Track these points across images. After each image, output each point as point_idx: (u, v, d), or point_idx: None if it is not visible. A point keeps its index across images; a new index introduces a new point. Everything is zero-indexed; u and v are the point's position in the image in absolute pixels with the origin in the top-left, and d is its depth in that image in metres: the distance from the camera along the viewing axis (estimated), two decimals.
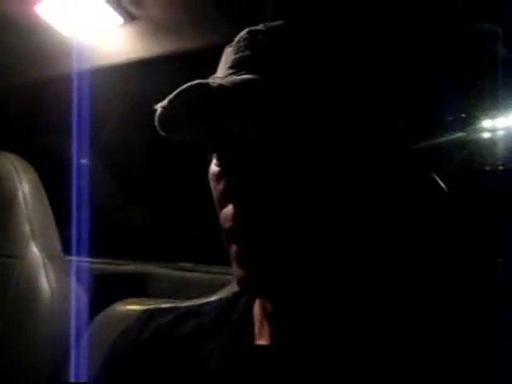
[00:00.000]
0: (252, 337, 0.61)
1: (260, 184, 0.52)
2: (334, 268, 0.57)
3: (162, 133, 0.53)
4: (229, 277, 1.11)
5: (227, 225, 0.54)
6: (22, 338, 1.10)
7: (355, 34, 0.60)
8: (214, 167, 0.57)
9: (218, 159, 0.56)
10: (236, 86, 0.50)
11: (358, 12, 0.89)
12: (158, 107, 0.51)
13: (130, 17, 1.13)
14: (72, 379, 0.98)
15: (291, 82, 0.51)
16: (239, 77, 0.52)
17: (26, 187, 1.19)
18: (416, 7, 0.90)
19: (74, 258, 1.23)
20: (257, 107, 0.50)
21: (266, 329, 0.60)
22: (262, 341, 0.60)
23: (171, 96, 0.50)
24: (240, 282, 0.55)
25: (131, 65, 1.24)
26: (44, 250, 1.16)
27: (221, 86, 0.50)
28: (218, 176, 0.56)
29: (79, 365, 1.00)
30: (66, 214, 1.23)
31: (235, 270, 0.55)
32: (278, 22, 0.55)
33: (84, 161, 1.46)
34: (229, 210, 0.54)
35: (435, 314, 0.58)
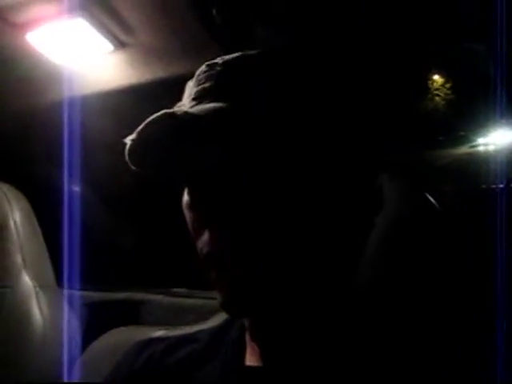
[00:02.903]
0: (245, 359, 0.61)
1: (232, 207, 0.53)
2: (316, 285, 0.57)
3: (132, 166, 0.53)
4: None
5: (205, 250, 0.55)
6: (14, 367, 1.08)
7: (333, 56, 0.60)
8: (186, 197, 0.58)
9: (189, 188, 0.57)
10: (205, 111, 0.51)
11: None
12: (128, 140, 0.52)
13: (119, 44, 1.13)
14: None
15: (254, 107, 0.52)
16: (205, 105, 0.52)
17: (17, 216, 1.19)
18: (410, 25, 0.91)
19: (65, 286, 1.23)
20: (224, 133, 0.51)
21: (257, 350, 0.60)
22: (253, 362, 0.60)
23: (140, 127, 0.51)
24: (223, 306, 0.55)
25: (121, 91, 1.25)
26: (36, 278, 1.15)
27: (188, 114, 0.51)
28: (191, 205, 0.57)
29: None
30: (58, 243, 1.23)
31: (217, 295, 0.55)
32: (233, 54, 0.56)
33: (75, 188, 1.46)
34: (205, 236, 0.54)
35: (426, 326, 0.60)
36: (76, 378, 1.03)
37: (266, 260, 0.53)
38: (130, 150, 0.52)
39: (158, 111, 0.51)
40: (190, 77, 0.58)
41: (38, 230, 1.23)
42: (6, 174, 1.28)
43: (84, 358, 1.05)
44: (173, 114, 0.51)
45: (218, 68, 0.55)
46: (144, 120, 0.51)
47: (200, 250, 0.56)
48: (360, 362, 0.56)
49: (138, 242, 1.60)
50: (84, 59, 1.21)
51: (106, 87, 1.25)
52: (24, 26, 1.13)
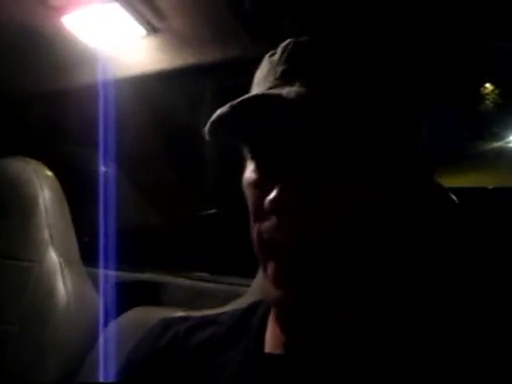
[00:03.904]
0: (268, 346, 0.61)
1: (313, 198, 0.50)
2: (368, 283, 0.55)
3: (208, 136, 0.52)
4: (244, 288, 1.11)
5: (266, 236, 0.52)
6: (37, 341, 1.11)
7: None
8: (251, 174, 0.55)
9: (259, 167, 0.54)
10: (299, 96, 0.49)
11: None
12: (217, 112, 0.50)
13: (152, 29, 1.15)
14: (86, 381, 0.99)
15: (346, 94, 0.50)
16: (295, 89, 0.50)
17: (46, 193, 1.21)
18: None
19: (90, 264, 1.25)
20: (313, 120, 0.49)
21: (282, 338, 0.58)
22: (277, 350, 0.59)
23: (233, 102, 0.49)
24: (277, 304, 0.54)
25: (153, 76, 1.26)
26: (62, 255, 1.18)
27: (280, 98, 0.49)
28: (256, 183, 0.54)
29: (93, 369, 1.00)
30: (85, 222, 1.25)
31: (271, 290, 0.53)
32: (318, 34, 0.54)
33: (104, 170, 1.48)
34: (271, 221, 0.51)
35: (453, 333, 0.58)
36: (97, 352, 1.05)
37: (338, 262, 0.51)
38: (215, 121, 0.50)
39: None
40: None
41: (66, 208, 1.26)
42: (38, 152, 1.31)
43: (106, 334, 1.07)
44: (268, 96, 0.50)
45: (307, 48, 0.53)
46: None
47: (258, 236, 0.54)
48: (384, 366, 0.54)
49: (163, 224, 1.62)
50: (117, 43, 1.23)
51: (138, 71, 1.26)
52: (60, 9, 1.15)
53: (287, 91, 0.49)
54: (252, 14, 0.98)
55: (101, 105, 1.21)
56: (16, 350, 1.11)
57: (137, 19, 1.13)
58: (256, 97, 0.50)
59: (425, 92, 0.59)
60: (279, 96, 0.49)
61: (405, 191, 0.55)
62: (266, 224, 0.52)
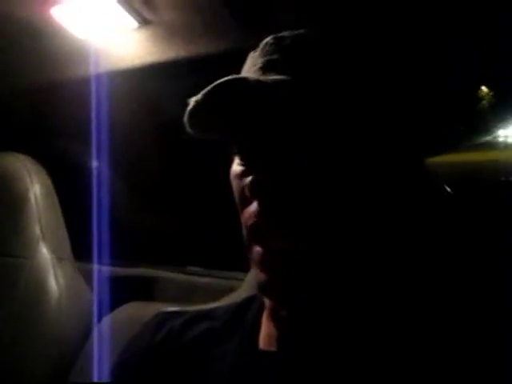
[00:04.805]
0: (262, 341, 0.61)
1: (291, 181, 0.52)
2: (353, 276, 0.56)
3: (189, 128, 0.53)
4: (237, 282, 1.10)
5: (250, 222, 0.53)
6: (29, 337, 1.11)
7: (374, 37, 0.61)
8: (236, 167, 0.57)
9: (242, 158, 0.56)
10: (272, 83, 0.50)
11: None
12: (192, 101, 0.51)
13: (143, 21, 1.13)
14: (78, 378, 0.98)
15: (322, 82, 0.51)
16: (271, 77, 0.52)
17: (37, 189, 1.20)
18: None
19: (82, 260, 1.24)
20: (287, 106, 0.50)
21: (275, 334, 0.59)
22: (270, 347, 0.60)
23: (207, 89, 0.50)
24: (262, 288, 0.54)
25: (145, 69, 1.25)
26: (53, 251, 1.17)
27: (261, 82, 0.50)
28: (242, 174, 0.56)
29: (86, 364, 1.00)
30: (76, 217, 1.24)
31: (257, 274, 0.54)
32: (301, 30, 0.56)
33: (95, 164, 1.47)
34: (253, 206, 0.53)
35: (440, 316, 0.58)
36: (90, 348, 1.05)
37: (318, 244, 0.52)
38: (192, 111, 0.51)
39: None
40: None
41: (57, 203, 1.25)
42: (28, 147, 1.30)
43: (99, 329, 1.07)
44: (245, 79, 0.50)
45: (287, 41, 0.54)
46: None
47: (245, 222, 0.55)
48: (379, 360, 0.54)
49: (155, 218, 1.61)
50: (108, 35, 1.21)
51: (129, 64, 1.25)
52: (49, 1, 1.13)
53: (261, 78, 0.51)
54: (245, 6, 0.97)
55: (92, 98, 1.20)
56: (8, 347, 1.10)
57: (128, 11, 1.12)
58: (225, 82, 0.50)
59: (411, 84, 0.60)
60: (244, 79, 0.50)
61: (383, 182, 0.56)
62: (249, 209, 0.54)
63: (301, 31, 0.56)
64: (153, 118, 1.47)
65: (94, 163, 1.46)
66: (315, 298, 0.55)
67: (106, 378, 0.68)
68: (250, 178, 0.52)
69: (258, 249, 0.53)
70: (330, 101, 0.51)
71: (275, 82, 0.50)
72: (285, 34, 0.56)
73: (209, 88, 0.50)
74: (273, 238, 0.52)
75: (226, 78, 0.50)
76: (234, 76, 0.51)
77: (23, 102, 1.53)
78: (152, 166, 1.60)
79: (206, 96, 0.50)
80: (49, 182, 1.25)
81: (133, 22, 1.15)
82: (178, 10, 1.08)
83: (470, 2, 0.90)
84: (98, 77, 1.21)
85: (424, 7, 0.91)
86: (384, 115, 0.56)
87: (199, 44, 1.10)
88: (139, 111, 1.46)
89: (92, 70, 1.22)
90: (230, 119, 0.53)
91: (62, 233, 1.24)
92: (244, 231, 0.56)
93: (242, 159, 0.56)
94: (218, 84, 0.50)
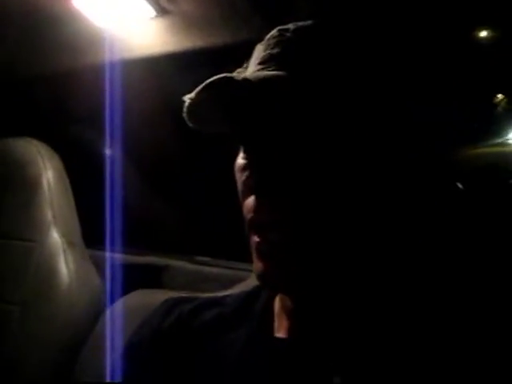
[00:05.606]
0: (272, 329, 0.62)
1: (285, 176, 0.53)
2: (354, 264, 0.57)
3: (189, 124, 0.55)
4: (246, 273, 1.11)
5: (250, 215, 0.55)
6: (38, 321, 1.11)
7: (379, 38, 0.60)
8: (240, 159, 0.58)
9: (244, 151, 0.57)
10: (261, 80, 0.51)
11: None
12: (186, 98, 0.52)
13: (162, 10, 1.14)
14: (88, 362, 0.99)
15: (317, 78, 0.52)
16: (265, 72, 0.53)
17: (50, 174, 1.21)
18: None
19: (92, 247, 1.25)
20: (280, 102, 0.51)
21: (285, 322, 0.60)
22: (280, 334, 0.61)
23: (198, 88, 0.51)
24: (259, 277, 0.55)
25: (162, 58, 1.25)
26: (64, 235, 1.18)
27: (245, 80, 0.51)
28: (244, 168, 0.57)
29: (96, 349, 1.00)
30: (88, 204, 1.25)
31: (255, 264, 0.55)
32: (307, 21, 0.56)
33: (108, 152, 1.48)
34: (252, 200, 0.54)
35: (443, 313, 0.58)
36: (99, 333, 1.05)
37: (313, 235, 0.53)
38: (188, 108, 0.53)
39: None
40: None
41: (69, 189, 1.25)
42: (42, 132, 1.30)
43: (108, 315, 1.07)
44: (231, 79, 0.51)
45: (288, 35, 0.55)
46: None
47: (246, 214, 0.56)
48: (385, 344, 0.56)
49: (166, 207, 1.62)
50: (126, 24, 1.22)
51: (146, 52, 1.25)
52: None
53: (252, 75, 0.52)
54: None
55: (108, 86, 1.20)
56: (17, 330, 1.11)
57: (147, 0, 1.12)
58: (211, 83, 0.51)
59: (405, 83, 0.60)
60: (230, 79, 0.51)
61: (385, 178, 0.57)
62: (248, 203, 0.55)
63: (305, 23, 0.56)
64: (167, 108, 1.47)
65: (108, 150, 1.46)
66: (315, 288, 0.57)
67: (116, 362, 0.69)
68: (247, 173, 0.55)
69: (255, 238, 0.55)
70: (322, 97, 0.51)
71: (266, 79, 0.51)
72: (289, 26, 0.56)
73: (200, 87, 0.51)
74: (269, 230, 0.54)
75: (213, 78, 0.51)
76: (224, 75, 0.51)
77: (39, 88, 1.54)
78: (165, 155, 1.60)
79: (197, 95, 0.52)
80: (62, 167, 1.26)
81: (151, 11, 1.15)
82: (197, 1, 1.08)
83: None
84: (115, 64, 1.22)
85: (429, 4, 0.90)
86: (380, 113, 0.56)
87: (217, 35, 1.10)
88: (154, 100, 1.47)
89: (109, 58, 1.23)
90: (220, 116, 0.55)
91: (74, 218, 1.24)
92: (245, 222, 0.57)
93: (243, 152, 0.57)
94: (206, 84, 0.51)
